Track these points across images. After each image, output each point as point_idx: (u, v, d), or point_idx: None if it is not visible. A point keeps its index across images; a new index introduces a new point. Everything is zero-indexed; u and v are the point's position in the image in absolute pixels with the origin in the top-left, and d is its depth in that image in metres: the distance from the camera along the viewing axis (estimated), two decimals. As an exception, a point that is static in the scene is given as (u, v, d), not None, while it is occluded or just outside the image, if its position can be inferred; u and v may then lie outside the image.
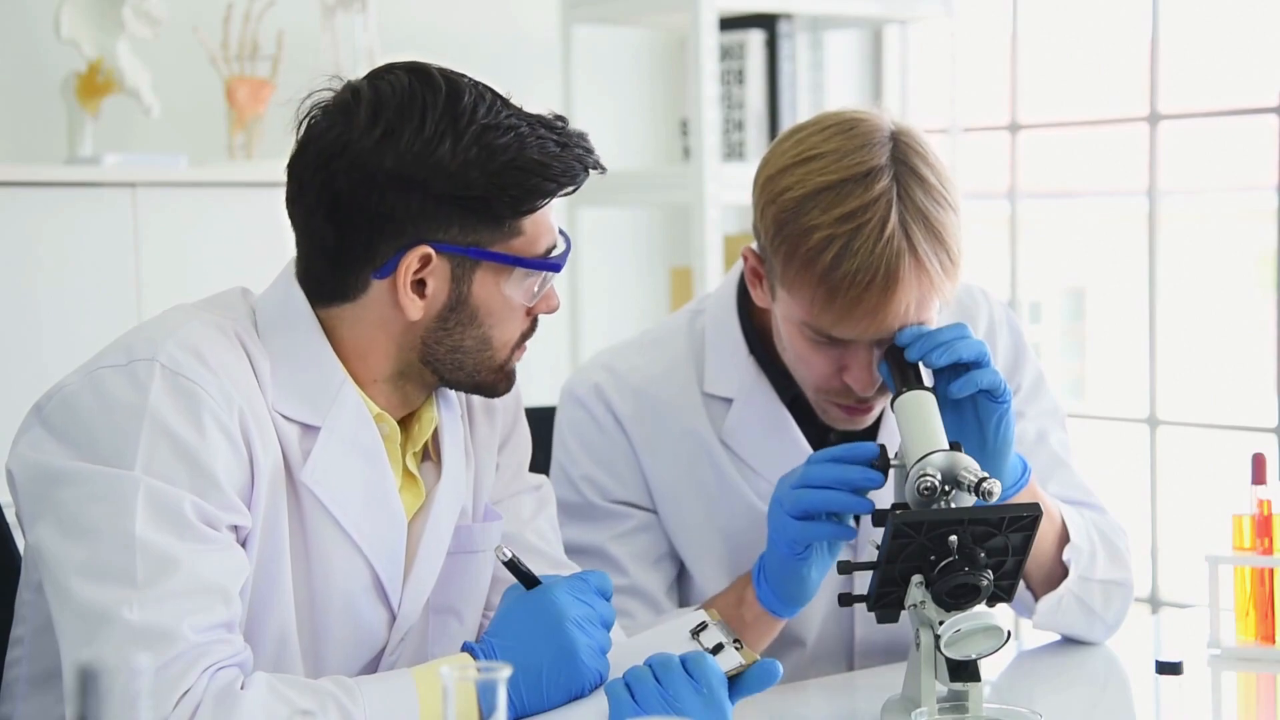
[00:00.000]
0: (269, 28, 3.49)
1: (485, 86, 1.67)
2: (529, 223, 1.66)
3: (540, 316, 1.73)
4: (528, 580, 1.67)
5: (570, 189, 1.67)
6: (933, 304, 1.88)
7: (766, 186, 1.90)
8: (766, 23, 3.95)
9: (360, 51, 3.56)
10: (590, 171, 1.68)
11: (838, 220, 1.83)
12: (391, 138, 1.62)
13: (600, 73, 4.11)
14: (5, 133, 3.42)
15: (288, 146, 1.71)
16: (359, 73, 1.71)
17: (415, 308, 1.65)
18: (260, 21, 3.47)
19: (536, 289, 1.69)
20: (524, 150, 1.63)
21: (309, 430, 1.66)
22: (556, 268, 1.68)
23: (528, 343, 1.73)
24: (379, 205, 1.63)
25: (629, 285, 4.15)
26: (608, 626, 1.66)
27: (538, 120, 1.66)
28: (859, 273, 1.82)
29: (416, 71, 1.66)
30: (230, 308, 1.70)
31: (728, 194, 3.64)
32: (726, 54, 3.94)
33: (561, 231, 1.71)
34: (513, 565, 1.67)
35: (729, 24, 3.90)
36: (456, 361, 1.69)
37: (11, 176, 3.05)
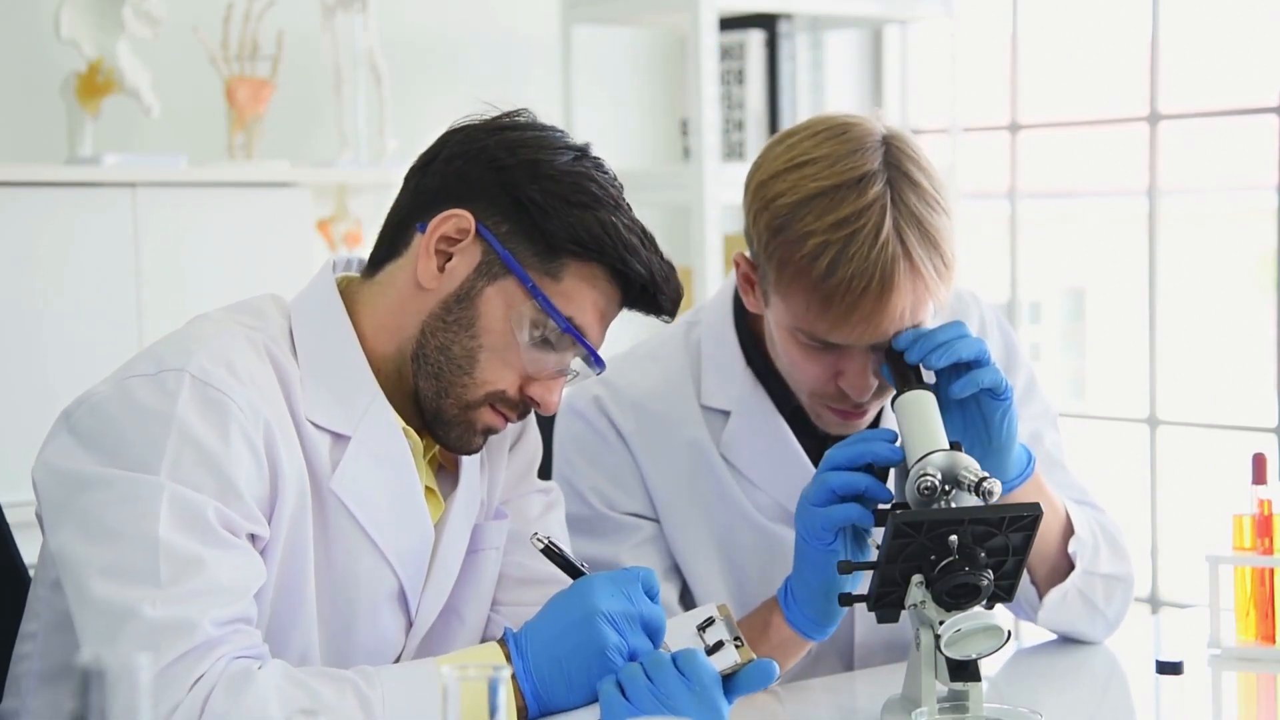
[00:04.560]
0: (269, 28, 3.49)
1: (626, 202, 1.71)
2: (573, 276, 1.66)
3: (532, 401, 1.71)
4: (569, 568, 1.65)
5: (624, 270, 1.66)
6: (927, 308, 1.87)
7: (759, 193, 1.89)
8: (766, 23, 3.95)
9: (360, 52, 3.57)
10: (651, 293, 1.68)
11: (832, 226, 1.81)
12: (514, 131, 1.69)
13: (600, 73, 4.11)
14: (5, 133, 3.42)
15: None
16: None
17: (429, 272, 1.67)
18: (260, 21, 3.47)
19: (539, 358, 1.68)
20: (609, 215, 1.66)
21: (339, 440, 1.67)
22: (568, 328, 1.66)
23: (498, 422, 1.70)
24: (460, 170, 1.68)
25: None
26: (651, 628, 1.63)
27: (645, 230, 1.69)
28: (854, 279, 1.80)
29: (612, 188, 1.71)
30: (260, 316, 1.70)
31: (728, 194, 3.64)
32: (726, 54, 3.94)
33: (598, 357, 1.70)
34: (550, 552, 1.66)
35: (729, 24, 3.90)
36: (437, 365, 1.68)
37: (11, 176, 3.06)
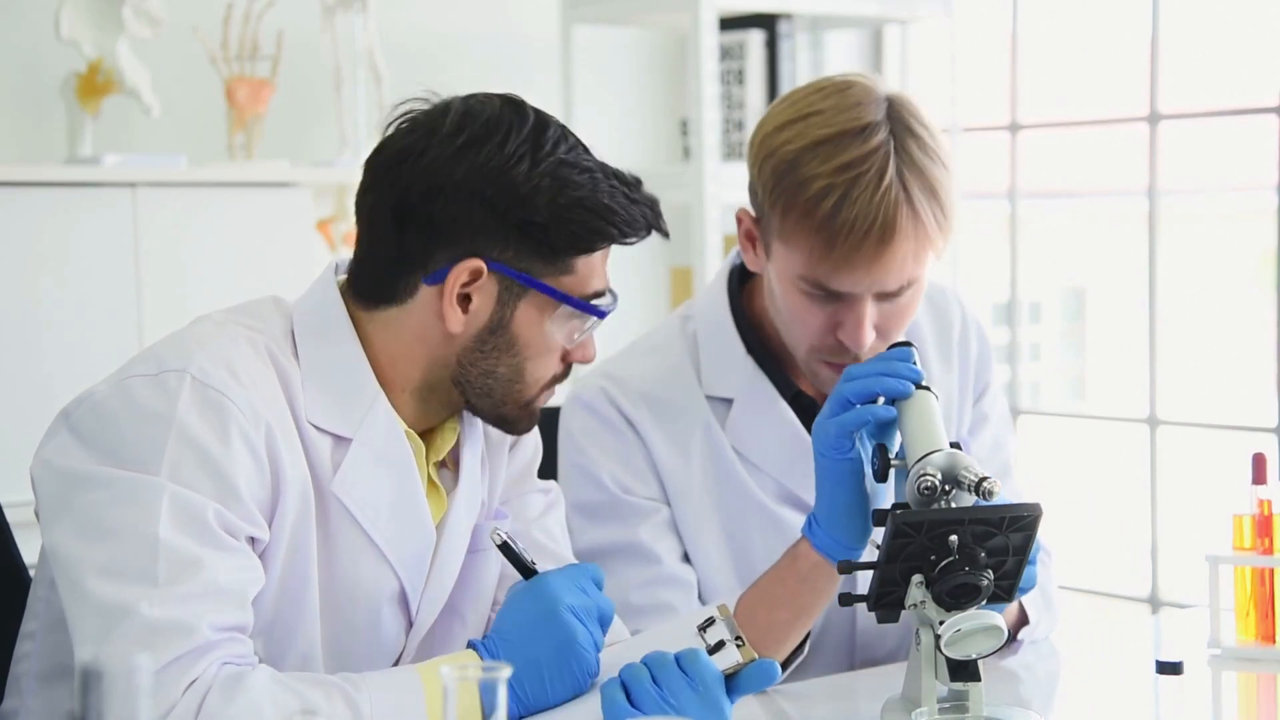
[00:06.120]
0: (269, 28, 3.49)
1: (570, 131, 1.71)
2: (582, 263, 1.69)
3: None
4: (524, 568, 1.67)
5: (631, 240, 1.70)
6: (926, 258, 1.92)
7: (764, 143, 1.95)
8: (766, 23, 3.95)
9: (360, 52, 3.56)
10: (653, 232, 1.72)
11: (836, 170, 1.87)
12: (470, 149, 1.65)
13: (600, 73, 4.11)
14: (5, 133, 3.42)
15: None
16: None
17: (456, 320, 1.67)
18: (260, 21, 3.47)
19: (576, 333, 1.71)
20: (595, 193, 1.67)
21: (341, 442, 1.67)
22: (600, 313, 1.70)
23: (551, 395, 1.75)
24: (442, 212, 1.65)
25: (628, 285, 4.14)
26: (604, 621, 1.66)
27: (615, 173, 1.70)
28: (858, 221, 1.86)
29: (510, 100, 1.70)
30: (261, 318, 1.70)
31: (728, 194, 3.64)
32: (726, 54, 3.94)
33: (610, 289, 1.73)
34: (507, 549, 1.67)
35: (729, 24, 3.90)
36: (486, 387, 1.70)
37: (11, 176, 3.06)
